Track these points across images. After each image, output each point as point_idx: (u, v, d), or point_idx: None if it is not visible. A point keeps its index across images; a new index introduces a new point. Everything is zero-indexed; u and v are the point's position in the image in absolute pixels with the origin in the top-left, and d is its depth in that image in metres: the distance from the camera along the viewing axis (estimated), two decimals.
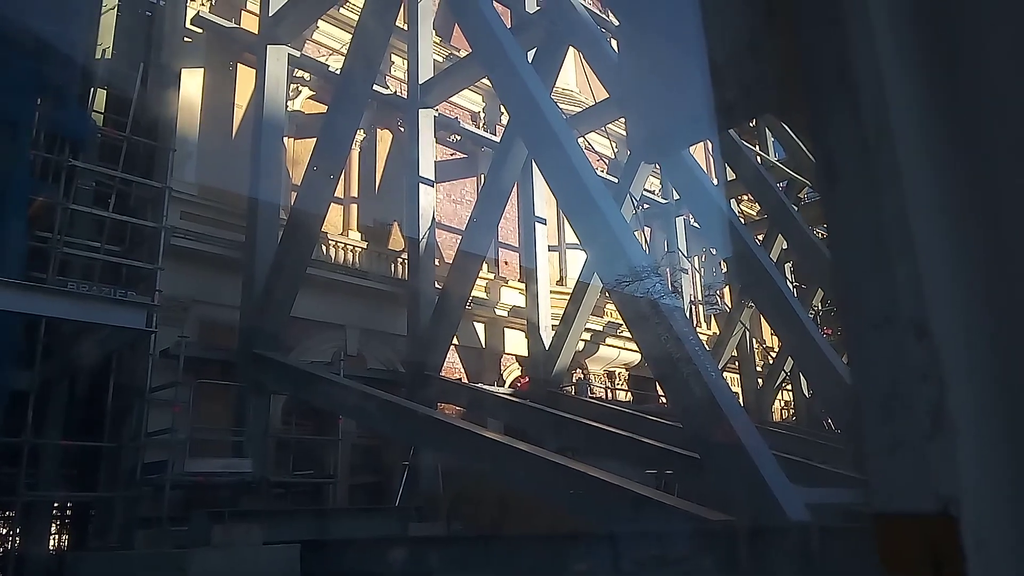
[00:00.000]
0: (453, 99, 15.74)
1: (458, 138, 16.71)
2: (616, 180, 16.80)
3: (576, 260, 17.09)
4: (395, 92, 14.97)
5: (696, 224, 19.83)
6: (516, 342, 16.01)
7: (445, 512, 10.83)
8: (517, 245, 17.12)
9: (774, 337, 19.04)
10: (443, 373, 13.26)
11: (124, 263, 9.84)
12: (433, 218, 13.77)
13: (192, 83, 12.29)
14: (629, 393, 18.65)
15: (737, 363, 20.22)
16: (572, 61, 16.11)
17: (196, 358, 10.29)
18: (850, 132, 0.63)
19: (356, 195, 14.52)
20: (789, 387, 20.81)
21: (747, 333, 20.00)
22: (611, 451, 10.15)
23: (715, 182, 18.31)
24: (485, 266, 14.67)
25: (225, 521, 7.71)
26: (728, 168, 18.36)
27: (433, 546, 7.90)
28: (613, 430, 10.61)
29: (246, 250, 11.24)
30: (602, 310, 16.82)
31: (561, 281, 17.71)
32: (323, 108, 13.07)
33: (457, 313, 13.23)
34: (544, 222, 16.79)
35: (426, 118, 13.93)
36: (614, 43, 12.46)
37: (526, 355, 15.69)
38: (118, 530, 9.23)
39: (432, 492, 11.57)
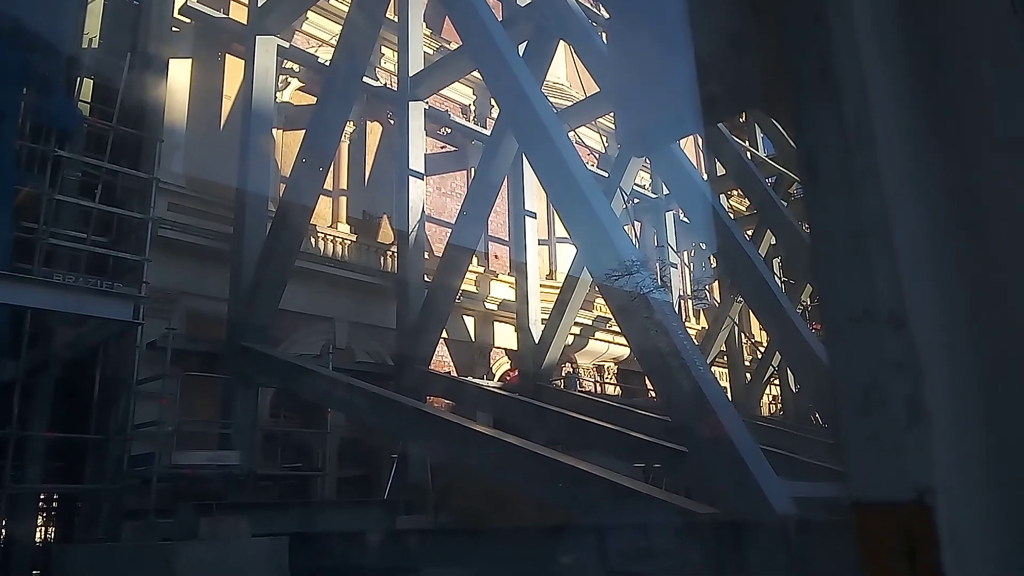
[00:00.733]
0: (443, 92, 15.70)
1: (448, 131, 16.68)
2: (606, 174, 16.82)
3: (566, 254, 17.12)
4: (385, 84, 14.92)
5: (686, 219, 19.90)
6: (505, 336, 16.04)
7: (433, 505, 10.85)
8: (507, 239, 17.13)
9: (762, 332, 19.15)
10: (432, 366, 13.26)
11: (111, 254, 9.77)
12: (423, 211, 13.75)
13: (180, 73, 12.20)
14: (618, 387, 18.72)
15: (725, 358, 20.31)
16: (563, 55, 16.10)
17: (183, 350, 10.25)
18: (831, 130, 0.63)
19: (345, 187, 14.48)
20: (777, 382, 20.93)
21: (735, 328, 20.09)
22: (599, 444, 10.19)
23: (705, 177, 18.37)
24: (475, 260, 14.67)
25: (212, 514, 7.69)
26: (718, 163, 18.42)
27: (421, 539, 7.91)
28: (601, 423, 10.66)
29: (234, 242, 11.19)
30: (591, 304, 16.86)
31: (551, 275, 17.73)
32: (312, 100, 13.01)
33: (446, 306, 13.22)
34: (534, 216, 16.80)
35: (416, 111, 13.89)
36: (605, 37, 12.45)
37: (515, 349, 15.71)
38: (105, 522, 9.20)
39: (420, 485, 11.58)
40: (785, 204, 15.35)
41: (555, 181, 9.03)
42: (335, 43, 12.45)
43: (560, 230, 16.66)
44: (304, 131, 11.81)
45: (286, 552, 6.79)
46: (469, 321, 15.70)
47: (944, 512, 0.53)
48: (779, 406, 21.61)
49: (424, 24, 14.98)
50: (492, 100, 15.65)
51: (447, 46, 15.62)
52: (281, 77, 13.31)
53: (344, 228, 14.07)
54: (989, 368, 0.59)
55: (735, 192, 20.76)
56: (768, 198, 14.51)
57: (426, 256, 13.91)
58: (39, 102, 9.56)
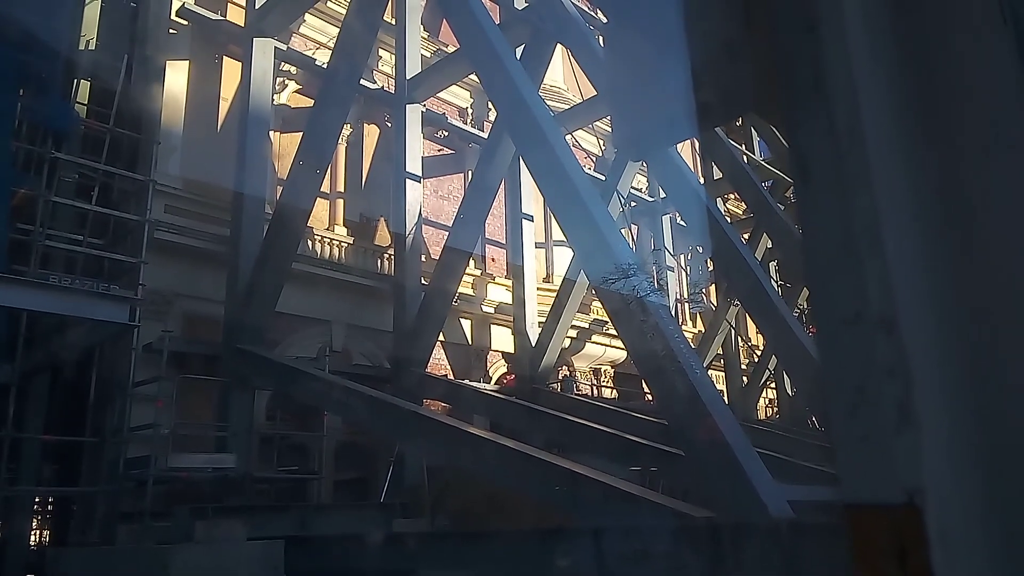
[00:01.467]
0: (441, 95, 15.71)
1: (445, 134, 16.69)
2: (603, 177, 16.84)
3: (563, 257, 17.12)
4: (382, 87, 14.93)
5: (682, 222, 19.93)
6: (502, 339, 16.04)
7: (429, 508, 10.84)
8: (504, 242, 17.14)
9: (759, 335, 19.17)
10: (429, 369, 13.26)
11: (107, 256, 9.76)
12: (420, 214, 13.75)
13: (177, 75, 12.19)
14: (615, 390, 18.73)
15: (722, 361, 20.34)
16: (560, 58, 16.13)
17: (179, 353, 10.24)
18: (823, 134, 0.64)
19: (342, 190, 14.48)
20: (773, 385, 20.96)
21: (732, 331, 20.12)
22: (596, 448, 10.19)
23: (701, 181, 18.40)
24: (472, 263, 14.67)
25: (208, 517, 7.68)
26: (714, 167, 18.46)
27: (417, 542, 7.91)
28: (598, 427, 10.66)
29: (231, 244, 11.19)
30: (588, 307, 16.88)
31: (548, 278, 17.74)
32: (310, 102, 13.02)
33: (443, 309, 13.23)
34: (531, 219, 16.82)
35: (413, 113, 13.90)
36: (602, 41, 12.48)
37: (512, 352, 15.72)
38: (100, 525, 9.18)
39: (417, 488, 11.57)
40: (781, 207, 15.39)
41: (552, 184, 9.04)
42: (332, 46, 12.46)
43: (557, 233, 16.67)
44: (301, 133, 11.82)
45: (282, 555, 6.77)
46: (466, 324, 15.71)
47: (934, 513, 0.53)
48: (775, 409, 21.64)
49: (421, 27, 15.00)
50: (489, 103, 15.67)
51: (444, 49, 15.64)
52: (278, 79, 13.32)
53: (341, 231, 14.07)
54: (979, 371, 0.60)
55: (731, 195, 20.81)
56: (764, 201, 14.55)
57: (423, 259, 13.91)
58: (35, 103, 9.55)
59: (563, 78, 18.55)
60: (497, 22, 12.03)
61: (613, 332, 14.38)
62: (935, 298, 0.61)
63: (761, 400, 21.11)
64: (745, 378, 20.45)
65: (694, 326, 21.46)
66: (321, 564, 7.41)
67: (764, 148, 21.38)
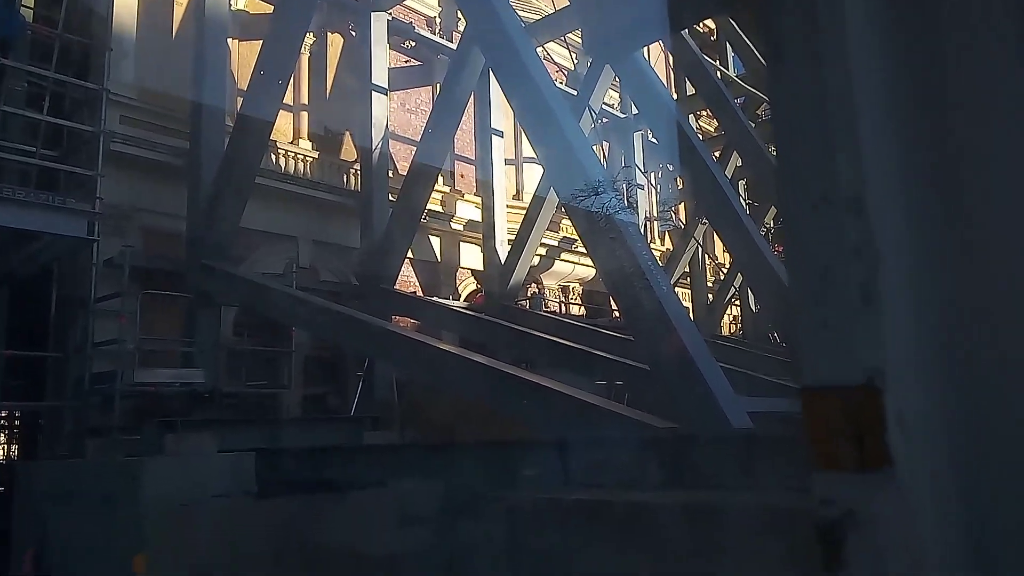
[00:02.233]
0: (408, 2, 15.14)
1: (413, 44, 16.15)
2: (575, 92, 16.53)
3: (533, 174, 16.97)
4: None
5: (654, 139, 19.78)
6: (472, 256, 16.01)
7: (399, 421, 11.02)
8: (473, 158, 16.89)
9: (726, 253, 19.40)
10: (398, 286, 13.24)
11: (62, 168, 9.44)
12: (386, 128, 13.45)
13: None
14: (583, 307, 18.94)
15: (689, 279, 20.62)
16: None
17: (141, 268, 10.07)
18: (799, 11, 0.61)
19: (306, 102, 14.05)
20: (738, 302, 21.38)
21: (700, 249, 20.32)
22: (564, 363, 10.36)
23: (674, 97, 18.18)
24: (440, 179, 14.47)
25: (177, 431, 7.73)
26: (687, 82, 18.22)
27: (387, 453, 8.06)
28: (566, 343, 10.81)
29: (191, 157, 10.85)
30: (558, 225, 16.86)
31: (517, 195, 17.62)
32: (269, 8, 12.47)
33: (412, 226, 13.11)
34: (501, 135, 16.54)
35: (379, 22, 13.41)
36: None
37: (481, 269, 15.72)
38: (68, 440, 9.20)
39: (386, 402, 11.73)
40: (753, 125, 15.31)
41: (523, 99, 8.86)
42: None
43: (527, 149, 16.47)
44: (261, 42, 11.35)
45: (252, 466, 6.86)
46: (435, 241, 15.61)
47: (893, 395, 0.53)
48: (739, 326, 22.13)
49: None
50: (458, 12, 15.14)
51: None
52: None
53: (305, 144, 13.73)
54: (944, 255, 0.59)
55: (704, 112, 20.65)
56: (735, 118, 14.46)
57: (390, 174, 13.68)
58: None
59: None
60: None
61: (582, 250, 14.43)
62: (905, 182, 0.60)
63: (726, 317, 21.55)
64: (711, 295, 20.80)
65: (662, 244, 21.60)
66: (292, 475, 7.53)
67: (738, 64, 21.11)
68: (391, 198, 13.17)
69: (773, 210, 19.36)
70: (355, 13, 13.77)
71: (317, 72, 14.33)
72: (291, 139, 13.56)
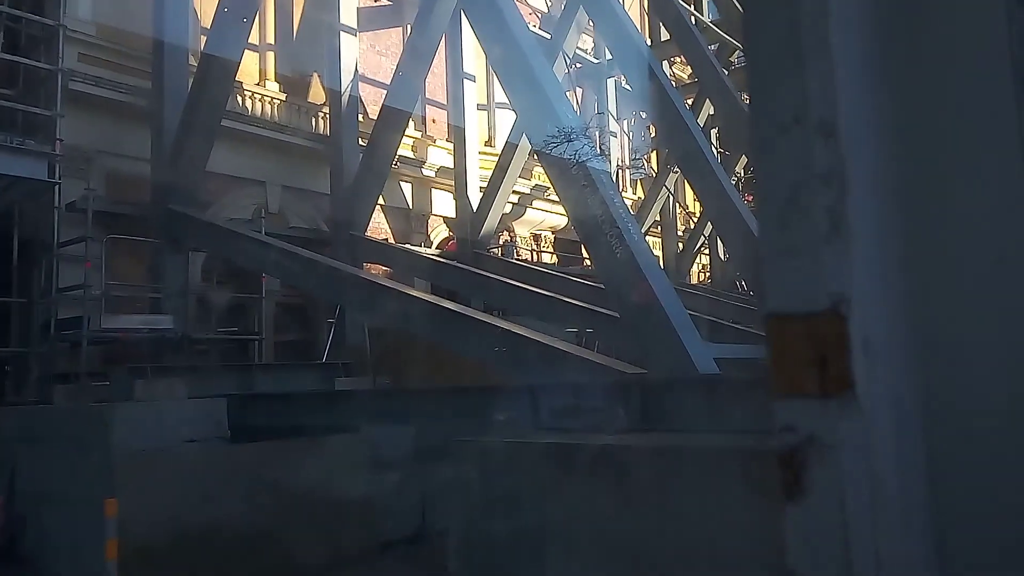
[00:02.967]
0: None
1: None
2: (549, 36, 16.26)
3: (505, 120, 16.77)
4: None
5: (627, 86, 19.60)
6: (443, 203, 15.88)
7: (371, 368, 11.05)
8: (445, 102, 16.61)
9: (696, 202, 19.47)
10: (369, 233, 13.12)
11: (19, 109, 9.11)
12: (356, 70, 13.14)
13: None
14: (554, 255, 18.98)
15: (660, 227, 20.71)
16: None
17: (106, 212, 9.84)
18: None
19: (272, 42, 13.65)
20: (707, 251, 21.57)
21: (671, 198, 20.37)
22: (535, 310, 10.43)
23: (649, 42, 17.96)
24: (412, 124, 14.24)
25: (147, 377, 7.67)
26: (662, 27, 17.99)
27: (359, 399, 8.10)
28: (537, 290, 10.87)
29: (153, 98, 10.52)
30: (530, 173, 16.75)
31: (489, 142, 17.43)
32: None
33: (383, 172, 12.94)
34: (473, 79, 16.27)
35: None
36: None
37: (453, 216, 15.62)
38: (35, 386, 9.10)
39: (358, 348, 11.74)
40: (726, 73, 15.22)
41: (495, 42, 8.71)
42: None
43: (500, 95, 16.22)
44: None
45: (224, 412, 6.86)
46: (406, 187, 15.44)
47: (858, 322, 0.54)
48: (708, 274, 22.38)
49: None
50: None
51: None
52: None
53: (272, 86, 13.38)
54: (914, 178, 0.59)
55: (678, 59, 20.46)
56: (709, 64, 14.35)
57: (360, 118, 13.42)
58: None
59: None
60: None
61: (554, 198, 14.38)
62: (878, 105, 0.59)
63: (695, 265, 21.76)
64: (681, 244, 20.95)
65: (634, 192, 21.60)
66: (264, 421, 7.55)
67: (713, 10, 20.86)
68: (361, 143, 12.94)
69: (744, 159, 19.42)
70: None
71: (283, 10, 13.88)
72: (257, 80, 13.21)
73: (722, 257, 20.64)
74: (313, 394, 8.99)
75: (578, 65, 19.05)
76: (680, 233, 21.32)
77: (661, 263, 16.90)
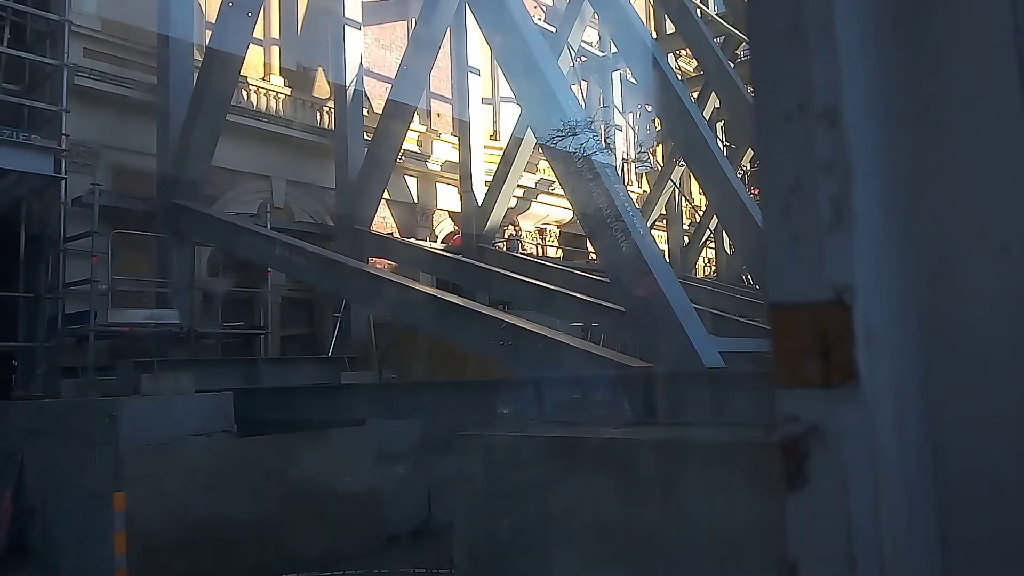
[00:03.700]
0: None
1: None
2: (554, 29, 16.21)
3: (510, 114, 16.73)
4: None
5: (632, 79, 19.54)
6: (448, 197, 15.87)
7: (377, 362, 11.07)
8: (450, 96, 16.59)
9: (702, 196, 19.42)
10: (374, 227, 13.13)
11: (26, 104, 9.14)
12: (361, 64, 13.12)
13: None
14: (560, 249, 18.96)
15: (665, 221, 20.67)
16: None
17: (112, 207, 9.87)
18: None
19: (277, 36, 13.64)
20: (713, 244, 21.53)
21: (676, 191, 20.32)
22: (540, 304, 10.42)
23: (654, 35, 17.89)
24: (417, 118, 14.22)
25: (154, 371, 7.70)
26: (667, 20, 17.92)
27: (365, 392, 8.11)
28: (542, 284, 10.85)
29: (159, 93, 10.53)
30: (535, 166, 16.72)
31: (494, 135, 17.40)
32: None
33: (387, 166, 12.93)
34: (478, 73, 16.24)
35: None
36: None
37: (459, 210, 15.62)
38: (42, 380, 9.14)
39: (364, 343, 11.76)
40: (732, 66, 15.14)
41: (500, 36, 8.67)
42: None
43: (505, 88, 16.19)
44: None
45: (231, 406, 6.89)
46: (411, 182, 15.44)
47: (862, 311, 0.54)
48: (713, 267, 22.33)
49: None
50: None
51: None
52: None
53: (277, 81, 13.38)
54: (919, 167, 0.59)
55: (683, 52, 20.38)
56: (715, 57, 14.28)
57: (365, 113, 13.41)
58: None
59: None
60: None
61: (559, 191, 14.35)
62: (883, 93, 0.59)
63: (700, 259, 21.71)
64: (686, 238, 20.90)
65: (639, 186, 21.55)
66: (271, 415, 7.57)
67: (719, 2, 20.76)
68: (366, 137, 12.94)
69: (750, 152, 19.34)
70: None
71: (288, 5, 13.88)
72: (262, 75, 13.20)
73: (727, 251, 20.59)
74: (319, 388, 9.02)
75: (583, 58, 18.99)
76: (686, 227, 21.28)
77: (666, 257, 16.88)
